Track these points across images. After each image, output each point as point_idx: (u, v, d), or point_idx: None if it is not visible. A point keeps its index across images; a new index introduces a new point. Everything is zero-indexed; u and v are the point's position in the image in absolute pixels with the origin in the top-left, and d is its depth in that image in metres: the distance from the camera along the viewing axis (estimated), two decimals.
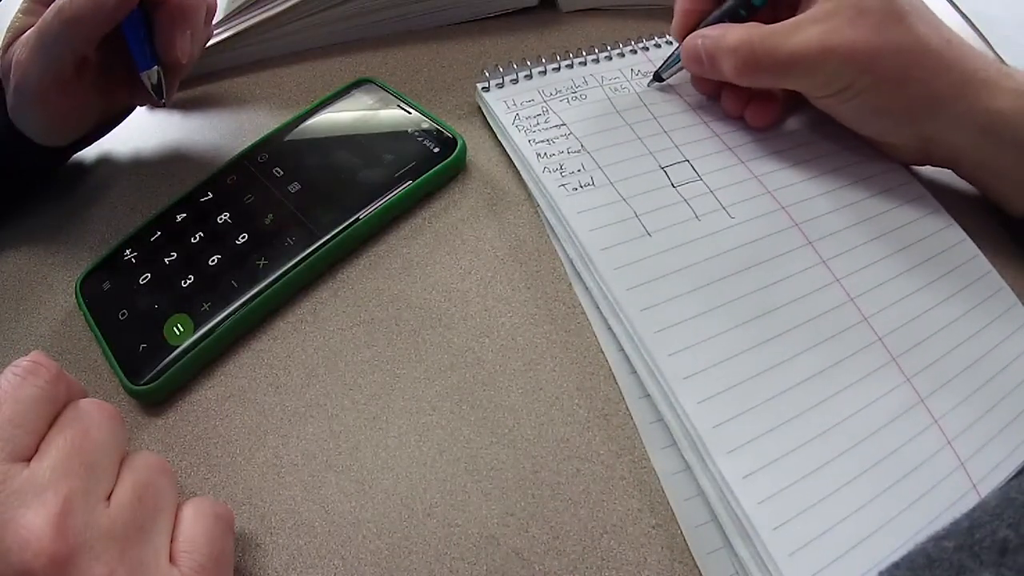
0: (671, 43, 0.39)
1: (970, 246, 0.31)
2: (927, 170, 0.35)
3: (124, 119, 0.36)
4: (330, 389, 0.27)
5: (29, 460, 0.19)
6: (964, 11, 0.46)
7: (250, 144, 0.34)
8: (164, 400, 0.27)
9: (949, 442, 0.25)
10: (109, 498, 0.20)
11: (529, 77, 0.36)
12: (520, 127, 0.34)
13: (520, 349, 0.28)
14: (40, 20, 0.28)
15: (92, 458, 0.20)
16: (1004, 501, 0.18)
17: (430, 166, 0.32)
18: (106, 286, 0.29)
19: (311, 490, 0.25)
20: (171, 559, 0.20)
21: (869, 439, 0.25)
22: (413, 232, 0.32)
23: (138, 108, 0.36)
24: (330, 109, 0.35)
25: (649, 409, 0.26)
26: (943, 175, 0.35)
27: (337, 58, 0.40)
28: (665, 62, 0.35)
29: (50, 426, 0.20)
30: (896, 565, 0.19)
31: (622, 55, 0.38)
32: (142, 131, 0.37)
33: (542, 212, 0.32)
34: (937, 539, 0.19)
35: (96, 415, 0.21)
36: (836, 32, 0.28)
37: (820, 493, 0.24)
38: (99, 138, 0.35)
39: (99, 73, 0.31)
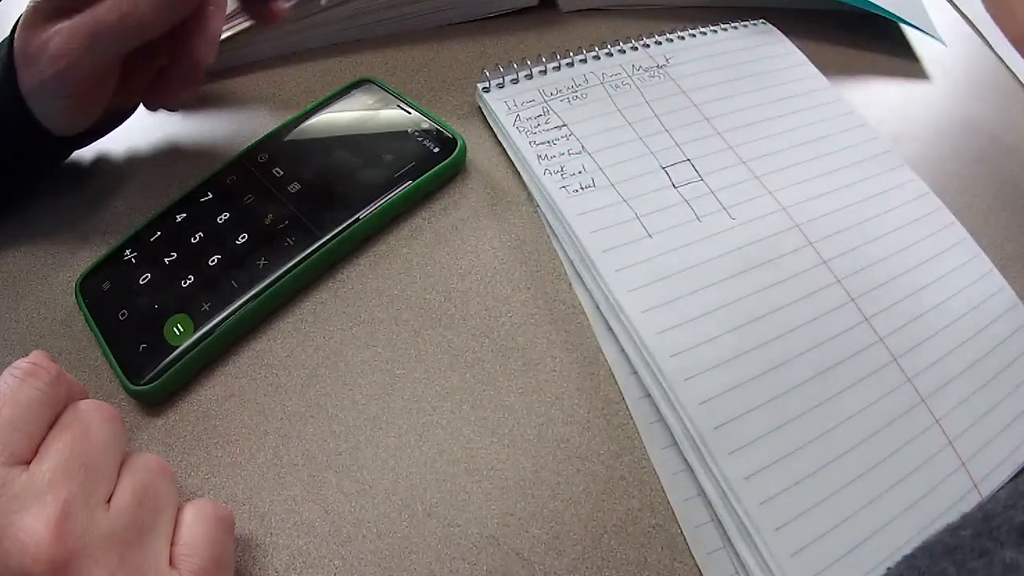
0: (672, 39, 0.39)
1: (971, 245, 0.31)
2: (928, 169, 0.35)
3: (123, 121, 0.35)
4: (330, 389, 0.27)
5: (28, 463, 0.19)
6: (964, 11, 0.46)
7: (250, 144, 0.34)
8: (164, 400, 0.27)
9: (950, 442, 0.25)
10: (109, 501, 0.20)
11: (529, 77, 0.36)
12: (521, 128, 0.34)
13: (520, 349, 0.28)
14: (94, 17, 0.27)
15: (91, 460, 0.20)
16: (1016, 493, 0.19)
17: (430, 166, 0.32)
18: (106, 286, 0.29)
19: (311, 490, 0.25)
20: (171, 562, 0.20)
21: (871, 439, 0.25)
22: (413, 232, 0.32)
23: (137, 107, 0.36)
24: (330, 109, 0.35)
25: (649, 409, 0.26)
26: (944, 174, 0.35)
27: (337, 58, 0.40)
28: None
29: (49, 428, 0.20)
30: (912, 555, 0.19)
31: (623, 52, 0.38)
32: (142, 131, 0.37)
33: (542, 213, 0.32)
34: (953, 530, 0.19)
35: (96, 417, 0.21)
36: None
37: (822, 494, 0.24)
38: (98, 138, 0.35)
39: (123, 67, 0.31)
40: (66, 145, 0.33)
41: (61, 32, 0.27)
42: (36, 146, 0.31)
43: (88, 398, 0.22)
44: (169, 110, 0.33)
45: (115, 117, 0.35)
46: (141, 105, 0.35)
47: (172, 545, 0.20)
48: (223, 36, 0.39)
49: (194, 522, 0.21)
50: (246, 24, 0.38)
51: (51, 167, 0.35)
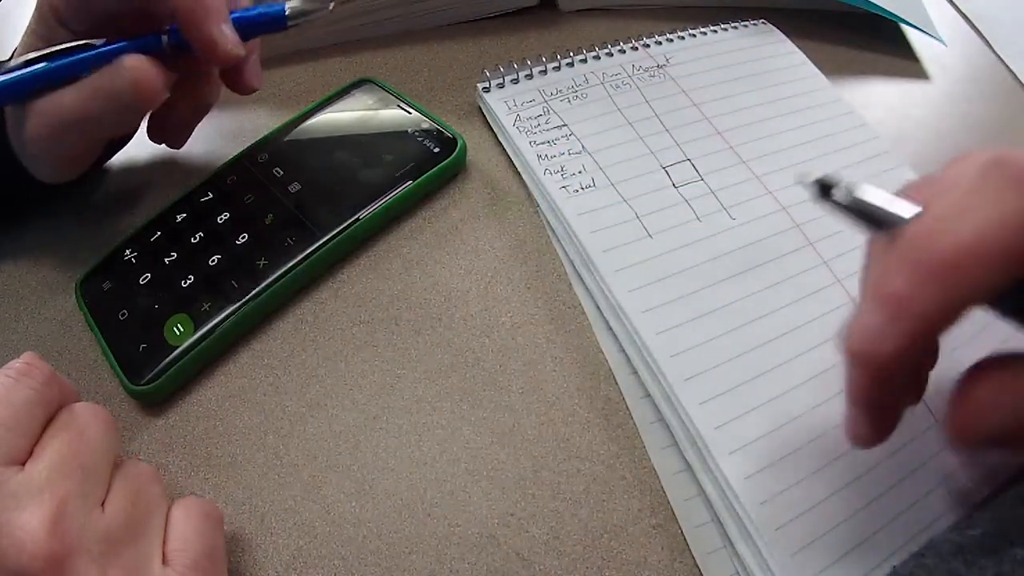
0: (672, 39, 0.39)
1: None
2: (928, 169, 0.35)
3: (121, 148, 0.35)
4: (330, 389, 0.27)
5: (24, 463, 0.19)
6: (964, 11, 0.46)
7: (250, 144, 0.34)
8: (164, 400, 0.27)
9: None
10: (103, 503, 0.20)
11: (530, 76, 0.36)
12: (521, 128, 0.34)
13: (520, 349, 0.28)
14: (60, 109, 0.25)
15: (87, 461, 0.20)
16: (1022, 497, 0.19)
17: (430, 166, 0.32)
18: (106, 286, 0.29)
19: (311, 490, 0.25)
20: (163, 560, 0.20)
21: None
22: (413, 232, 0.32)
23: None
24: (330, 109, 0.35)
25: (649, 409, 0.26)
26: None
27: (337, 58, 0.40)
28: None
29: (44, 428, 0.20)
30: (920, 554, 0.19)
31: (623, 52, 0.38)
32: (142, 131, 0.37)
33: (542, 212, 0.32)
34: (960, 529, 0.19)
35: (91, 419, 0.21)
36: None
37: (822, 494, 0.24)
38: (97, 169, 0.34)
39: None
40: (58, 189, 0.32)
41: (35, 115, 0.26)
42: (29, 191, 0.31)
43: (80, 400, 0.22)
44: (171, 147, 0.32)
45: (112, 147, 0.34)
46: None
47: (164, 544, 0.21)
48: None
49: (184, 519, 0.21)
50: None
51: (44, 203, 0.34)
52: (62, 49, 0.26)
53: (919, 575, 0.18)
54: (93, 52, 0.26)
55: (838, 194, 0.20)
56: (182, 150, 0.35)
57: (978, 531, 0.18)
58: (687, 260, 0.29)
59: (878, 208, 0.19)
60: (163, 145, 0.32)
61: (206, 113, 0.31)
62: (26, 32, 0.27)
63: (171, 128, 0.31)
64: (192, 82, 0.30)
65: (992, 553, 0.17)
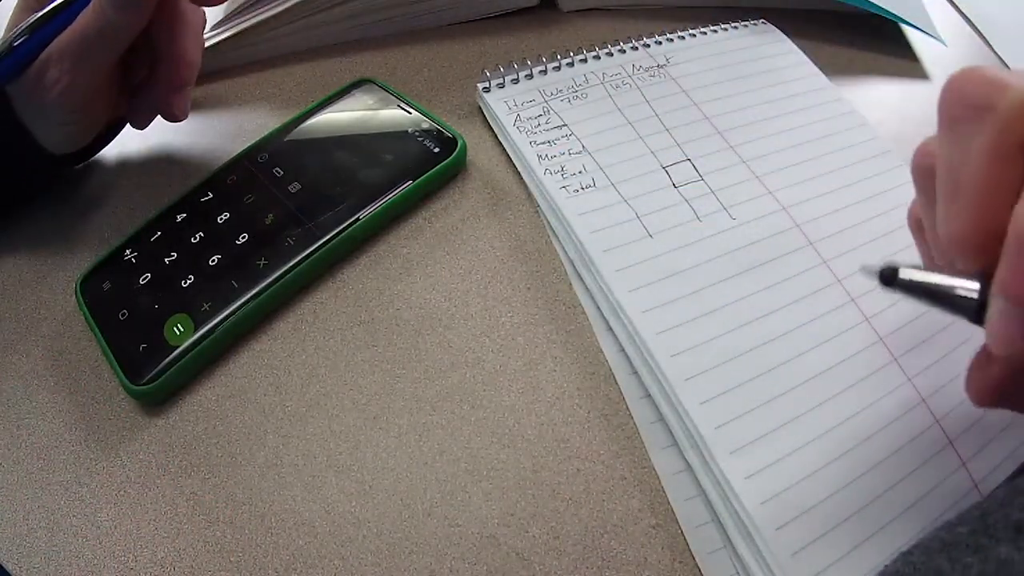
0: (672, 39, 0.39)
1: None
2: None
3: (120, 130, 0.35)
4: (330, 389, 0.27)
5: None
6: (964, 11, 0.46)
7: (250, 144, 0.34)
8: (164, 400, 0.27)
9: (951, 442, 0.25)
10: None
11: (530, 76, 0.36)
12: (521, 128, 0.34)
13: (520, 349, 0.28)
14: (78, 34, 0.27)
15: None
16: (1013, 492, 0.19)
17: (430, 166, 0.32)
18: (106, 286, 0.29)
19: (311, 490, 0.25)
20: None
21: (871, 439, 0.25)
22: (413, 232, 0.32)
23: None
24: (330, 109, 0.35)
25: (649, 409, 0.26)
26: None
27: (337, 58, 0.40)
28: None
29: None
30: (908, 552, 0.19)
31: (623, 51, 0.38)
32: (142, 131, 0.37)
33: (542, 212, 0.32)
34: (950, 527, 0.19)
35: None
36: None
37: (823, 493, 0.24)
38: (96, 153, 0.35)
39: (119, 75, 0.31)
40: (66, 162, 0.33)
41: (51, 57, 0.28)
42: (38, 166, 0.32)
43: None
44: (171, 119, 0.33)
45: (110, 129, 0.35)
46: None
47: None
48: (223, 36, 0.39)
49: None
50: (245, 24, 0.38)
51: (50, 185, 0.35)
52: (52, 9, 0.28)
53: (905, 572, 0.18)
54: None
55: (903, 276, 0.19)
56: (182, 150, 0.35)
57: (965, 528, 0.18)
58: (687, 260, 0.29)
59: (942, 288, 0.19)
60: (160, 138, 0.33)
61: (184, 72, 0.32)
62: (15, 10, 0.29)
63: (156, 94, 0.32)
64: (163, 40, 0.31)
65: (977, 551, 0.17)
